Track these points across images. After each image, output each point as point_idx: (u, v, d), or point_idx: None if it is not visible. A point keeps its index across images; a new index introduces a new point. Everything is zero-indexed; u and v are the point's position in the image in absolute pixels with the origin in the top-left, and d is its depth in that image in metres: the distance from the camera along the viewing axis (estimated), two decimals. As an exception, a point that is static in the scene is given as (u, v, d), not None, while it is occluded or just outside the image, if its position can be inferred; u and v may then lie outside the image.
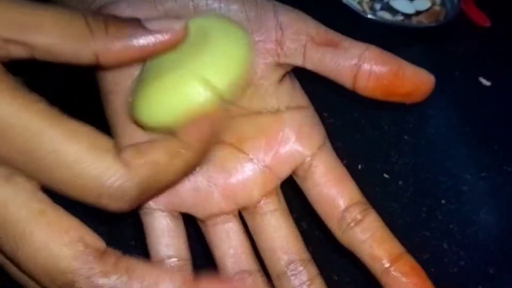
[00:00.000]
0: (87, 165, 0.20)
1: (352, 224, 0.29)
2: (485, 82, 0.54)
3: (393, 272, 0.28)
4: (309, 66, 0.28)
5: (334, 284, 0.38)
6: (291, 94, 0.31)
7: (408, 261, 0.29)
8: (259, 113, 0.29)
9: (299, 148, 0.30)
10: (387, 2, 0.60)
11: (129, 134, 0.27)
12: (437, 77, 0.54)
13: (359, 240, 0.29)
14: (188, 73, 0.24)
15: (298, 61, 0.28)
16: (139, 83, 0.26)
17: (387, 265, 0.28)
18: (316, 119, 0.32)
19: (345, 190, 0.30)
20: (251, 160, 0.29)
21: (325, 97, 0.49)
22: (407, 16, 0.60)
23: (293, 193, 0.41)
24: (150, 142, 0.23)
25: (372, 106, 0.49)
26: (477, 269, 0.40)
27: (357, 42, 0.28)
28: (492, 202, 0.44)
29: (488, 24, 0.61)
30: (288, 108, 0.30)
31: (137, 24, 0.23)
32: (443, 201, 0.43)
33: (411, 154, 0.46)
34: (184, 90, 0.24)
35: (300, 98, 0.32)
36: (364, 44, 0.28)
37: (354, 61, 0.28)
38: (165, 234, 0.28)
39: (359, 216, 0.29)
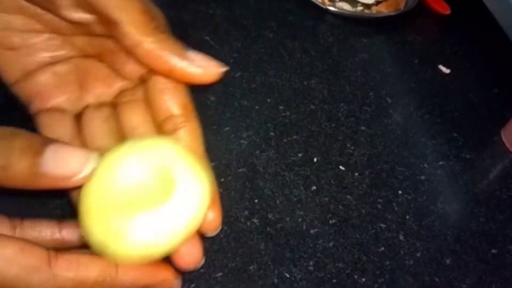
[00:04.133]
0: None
1: (167, 132, 0.29)
2: (445, 69, 0.51)
3: None
4: None
5: (286, 282, 0.35)
6: None
7: None
8: None
9: None
10: (347, -7, 0.57)
11: None
12: (396, 66, 0.52)
13: None
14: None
15: None
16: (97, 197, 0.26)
17: None
18: None
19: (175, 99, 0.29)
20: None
21: (280, 90, 0.47)
22: (367, 6, 0.57)
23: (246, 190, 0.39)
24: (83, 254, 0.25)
25: (329, 97, 0.47)
26: (433, 260, 0.37)
27: None
28: (450, 191, 0.41)
29: (448, 12, 0.58)
30: None
31: None
32: (399, 192, 0.41)
33: (367, 145, 0.43)
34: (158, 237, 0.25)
35: None
36: None
37: None
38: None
39: (171, 128, 0.29)
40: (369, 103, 0.46)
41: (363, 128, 0.44)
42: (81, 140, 0.31)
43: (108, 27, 0.27)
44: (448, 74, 0.51)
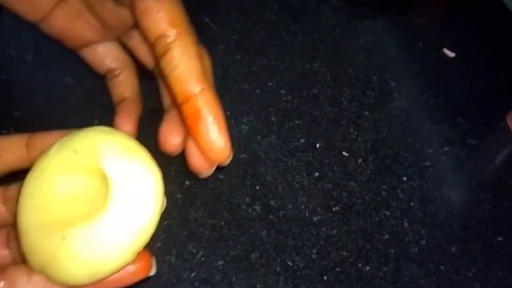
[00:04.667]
0: None
1: (160, 55, 0.27)
2: (449, 53, 0.50)
3: (182, 113, 0.27)
4: None
5: (289, 270, 0.34)
6: None
7: (193, 104, 0.26)
8: None
9: None
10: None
11: None
12: (400, 50, 0.51)
13: (163, 74, 0.27)
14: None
15: None
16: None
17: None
18: None
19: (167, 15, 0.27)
20: None
21: (282, 73, 0.45)
22: (370, -12, 0.55)
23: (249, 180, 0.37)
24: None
25: (332, 81, 0.45)
26: (438, 248, 0.36)
27: None
28: (455, 177, 0.40)
29: (453, -6, 0.56)
30: None
31: None
32: (404, 178, 0.40)
33: (371, 130, 0.42)
34: (97, 254, 0.22)
35: None
36: None
37: None
38: None
39: (162, 50, 0.26)
40: (372, 87, 0.45)
41: (366, 113, 0.43)
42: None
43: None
44: (453, 58, 0.50)
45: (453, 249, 0.36)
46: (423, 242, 0.36)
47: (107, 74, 0.36)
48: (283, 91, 0.44)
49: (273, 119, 0.41)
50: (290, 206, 0.37)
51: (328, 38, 0.49)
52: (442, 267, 0.35)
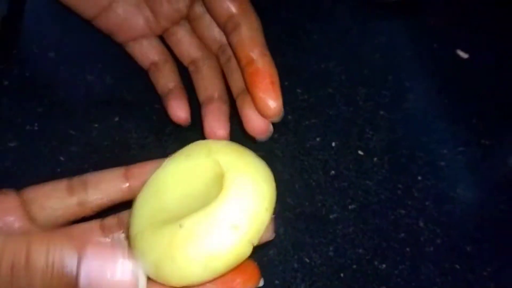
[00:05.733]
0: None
1: (230, 31, 0.31)
2: (463, 54, 0.50)
3: (244, 74, 0.30)
4: None
5: (306, 267, 0.34)
6: None
7: (254, 65, 0.30)
8: None
9: None
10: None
11: None
12: (414, 50, 0.50)
13: (231, 44, 0.31)
14: (216, 220, 0.22)
15: None
16: (143, 220, 0.23)
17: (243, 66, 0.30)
18: None
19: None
20: None
21: (298, 72, 0.45)
22: (385, -12, 0.55)
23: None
24: None
25: (347, 81, 0.45)
26: (454, 248, 0.36)
27: None
28: (470, 177, 0.40)
29: (467, -5, 0.56)
30: None
31: None
32: (419, 178, 0.39)
33: (386, 129, 0.42)
34: (215, 238, 0.22)
35: None
36: None
37: None
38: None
39: (233, 26, 0.30)
40: (388, 87, 0.45)
41: (382, 112, 0.43)
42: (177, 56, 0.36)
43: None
44: (468, 58, 0.49)
45: (468, 249, 0.36)
46: (439, 241, 0.36)
47: (151, 67, 0.37)
48: (299, 90, 0.43)
49: (290, 117, 0.41)
50: (306, 203, 0.37)
51: (344, 37, 0.48)
52: (458, 266, 0.35)
